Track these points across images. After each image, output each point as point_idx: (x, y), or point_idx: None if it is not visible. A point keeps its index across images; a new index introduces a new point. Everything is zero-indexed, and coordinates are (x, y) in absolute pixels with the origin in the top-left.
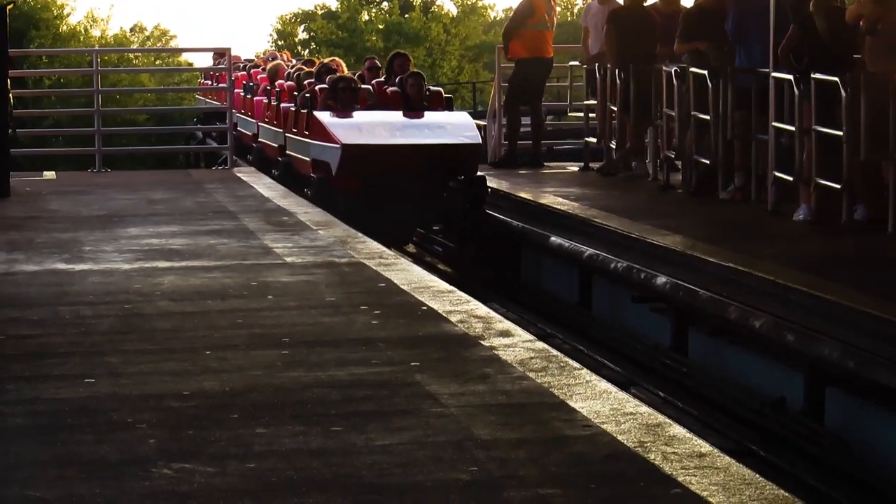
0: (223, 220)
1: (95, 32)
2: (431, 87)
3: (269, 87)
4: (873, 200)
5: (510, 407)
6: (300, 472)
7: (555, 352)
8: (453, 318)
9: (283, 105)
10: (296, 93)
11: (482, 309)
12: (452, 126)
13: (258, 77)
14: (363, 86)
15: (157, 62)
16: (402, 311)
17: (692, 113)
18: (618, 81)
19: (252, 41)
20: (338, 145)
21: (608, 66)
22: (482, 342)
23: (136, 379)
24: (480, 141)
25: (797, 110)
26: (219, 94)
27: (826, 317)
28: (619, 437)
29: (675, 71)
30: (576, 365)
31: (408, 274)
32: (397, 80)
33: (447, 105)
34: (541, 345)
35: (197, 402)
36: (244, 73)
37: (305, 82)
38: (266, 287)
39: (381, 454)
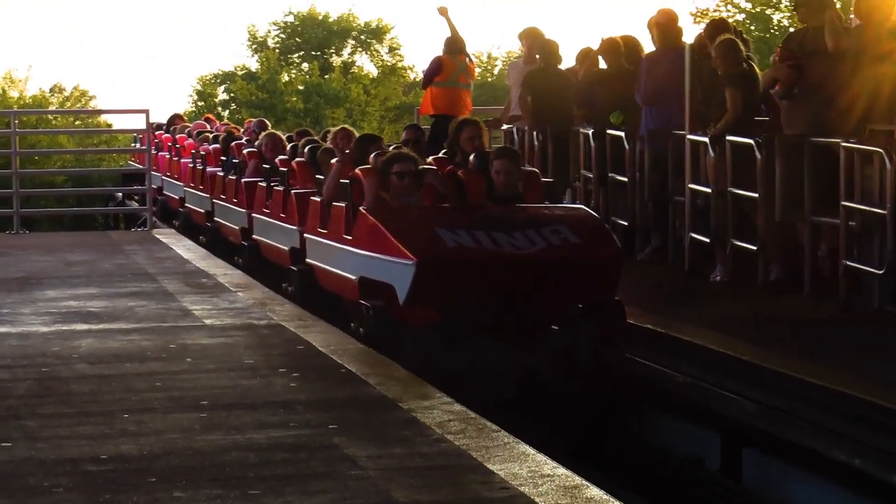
0: (142, 282)
1: (13, 94)
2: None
3: (267, 166)
4: (788, 262)
5: (428, 469)
6: None
7: (473, 414)
8: (372, 381)
9: (294, 191)
10: (319, 176)
11: (401, 371)
12: (570, 226)
13: (243, 151)
14: (425, 166)
15: (77, 123)
16: (321, 373)
17: (609, 175)
18: (535, 143)
19: (171, 102)
20: (410, 261)
21: (525, 127)
22: (401, 404)
23: (53, 443)
24: (618, 248)
25: (712, 172)
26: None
27: (742, 377)
28: (537, 499)
29: (592, 133)
30: (494, 427)
31: (327, 336)
32: (473, 158)
33: (549, 193)
34: (459, 407)
35: (114, 466)
36: (215, 145)
37: (331, 161)
38: (185, 349)
39: None
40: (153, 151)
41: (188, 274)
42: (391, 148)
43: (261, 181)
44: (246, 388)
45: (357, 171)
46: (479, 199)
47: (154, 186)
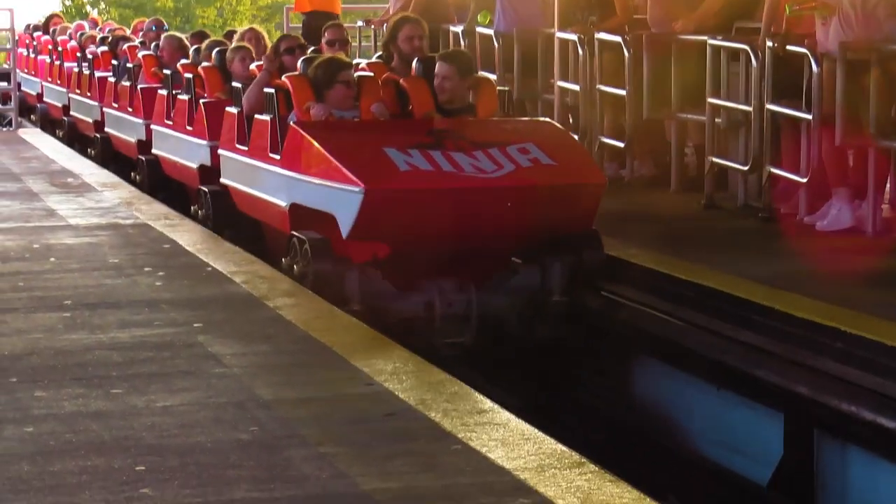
0: (6, 182)
1: None
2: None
3: (167, 72)
4: (656, 159)
5: (293, 366)
6: (79, 434)
7: (339, 311)
8: (237, 279)
9: (203, 100)
10: (236, 84)
11: (266, 269)
12: (540, 144)
13: (138, 55)
14: (360, 72)
15: None
16: (186, 272)
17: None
18: None
19: (37, 2)
20: (357, 188)
21: None
22: (266, 302)
23: None
24: (600, 170)
25: (581, 69)
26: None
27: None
28: (401, 395)
29: (462, 31)
30: (359, 323)
31: (192, 235)
32: (416, 63)
33: (505, 103)
34: (325, 304)
35: None
36: (103, 48)
37: (251, 66)
38: (49, 249)
39: (161, 415)
40: (31, 55)
41: (53, 174)
42: (310, 51)
43: (160, 88)
44: (110, 287)
45: (285, 78)
46: (425, 113)
47: (33, 93)
